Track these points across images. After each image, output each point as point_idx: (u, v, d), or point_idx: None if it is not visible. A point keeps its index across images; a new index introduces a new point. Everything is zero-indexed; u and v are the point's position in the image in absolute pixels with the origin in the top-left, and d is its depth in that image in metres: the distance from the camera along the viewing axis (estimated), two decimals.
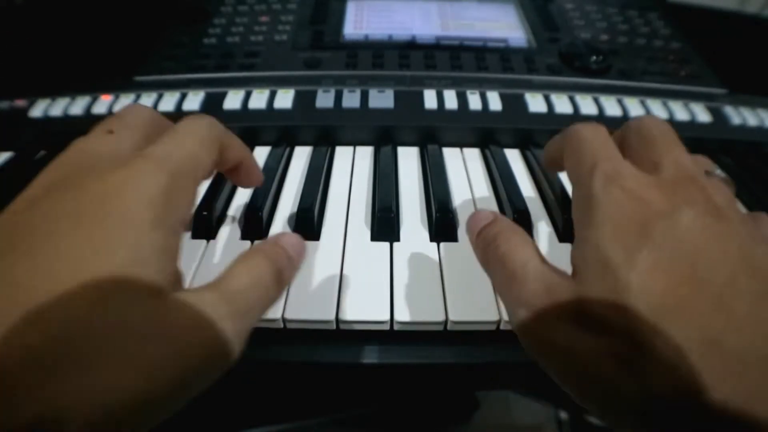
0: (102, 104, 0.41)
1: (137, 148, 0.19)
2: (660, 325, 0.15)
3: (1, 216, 0.16)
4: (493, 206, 0.34)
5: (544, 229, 0.32)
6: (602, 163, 0.20)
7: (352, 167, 0.38)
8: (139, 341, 0.15)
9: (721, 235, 0.16)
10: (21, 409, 0.13)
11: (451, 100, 0.41)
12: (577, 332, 0.17)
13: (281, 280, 0.20)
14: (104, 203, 0.16)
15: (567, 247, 0.29)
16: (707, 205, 0.17)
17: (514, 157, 0.39)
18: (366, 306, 0.26)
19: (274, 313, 0.25)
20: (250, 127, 0.40)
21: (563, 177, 0.37)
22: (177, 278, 0.18)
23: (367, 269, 0.28)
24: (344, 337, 0.27)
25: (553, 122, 0.40)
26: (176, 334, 0.16)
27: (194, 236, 0.31)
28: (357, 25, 0.51)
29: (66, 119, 0.41)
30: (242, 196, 0.34)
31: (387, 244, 0.30)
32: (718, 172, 0.21)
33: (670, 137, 0.21)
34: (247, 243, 0.30)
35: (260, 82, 0.43)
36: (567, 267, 0.29)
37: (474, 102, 0.41)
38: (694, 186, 0.18)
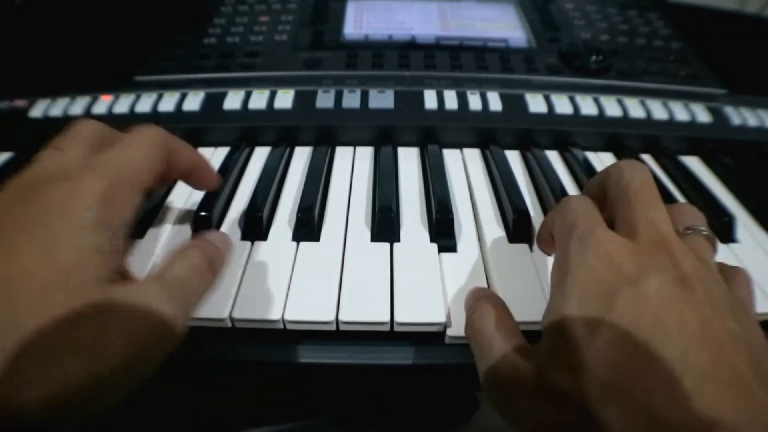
0: (102, 104, 0.41)
1: (84, 160, 0.21)
2: (610, 401, 0.16)
3: None
4: (494, 206, 0.34)
5: None
6: (581, 226, 0.21)
7: (352, 167, 0.38)
8: (82, 330, 0.16)
9: (683, 305, 0.17)
10: None
11: (451, 101, 0.41)
12: (538, 402, 0.19)
13: (213, 268, 0.22)
14: (48, 211, 0.18)
15: None
16: (675, 273, 0.18)
17: (514, 157, 0.39)
18: (366, 307, 0.26)
19: (275, 314, 0.25)
20: (250, 128, 0.40)
21: (563, 177, 0.37)
22: (124, 274, 0.20)
23: (367, 270, 0.28)
24: (344, 337, 0.27)
25: (553, 122, 0.40)
26: (117, 319, 0.17)
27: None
28: (357, 25, 0.51)
29: (66, 119, 0.40)
30: (242, 196, 0.34)
31: (387, 245, 0.30)
32: (703, 228, 0.22)
33: (648, 193, 0.22)
34: (248, 243, 0.30)
35: (260, 82, 0.43)
36: None
37: (474, 102, 0.41)
38: (665, 252, 0.19)
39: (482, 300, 0.24)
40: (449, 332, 0.25)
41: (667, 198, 0.35)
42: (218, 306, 0.26)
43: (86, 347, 0.16)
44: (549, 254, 0.29)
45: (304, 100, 0.41)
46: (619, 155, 0.41)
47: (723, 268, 0.21)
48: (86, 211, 0.18)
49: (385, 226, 0.30)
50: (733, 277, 0.21)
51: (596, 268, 0.19)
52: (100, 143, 0.22)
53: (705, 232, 0.22)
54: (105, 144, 0.22)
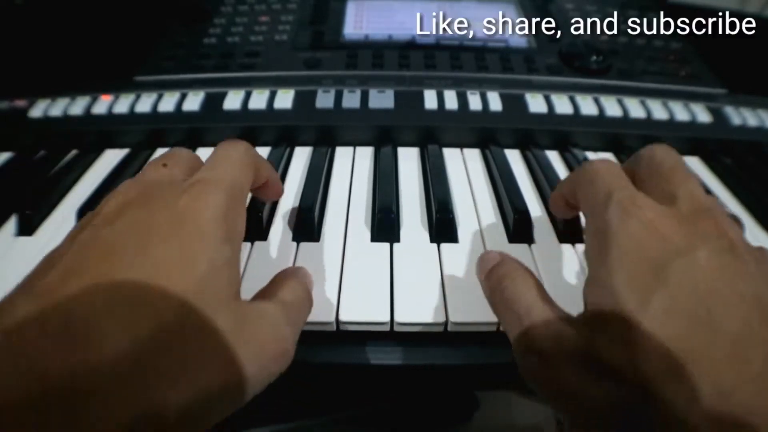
0: (102, 104, 0.41)
1: (188, 177, 0.21)
2: (672, 376, 0.15)
3: (85, 231, 0.18)
4: (494, 206, 0.34)
5: (544, 230, 0.32)
6: (618, 192, 0.19)
7: (352, 167, 0.38)
8: (223, 342, 0.17)
9: (736, 275, 0.16)
10: (122, 409, 0.14)
11: (451, 101, 0.41)
12: (587, 378, 0.17)
13: (311, 298, 0.24)
14: (178, 221, 0.18)
15: (567, 248, 0.29)
16: (723, 241, 0.17)
17: (514, 157, 0.39)
18: (366, 307, 0.26)
19: None
20: (250, 128, 0.40)
21: (563, 176, 0.37)
22: (239, 287, 0.20)
23: (367, 270, 0.28)
24: (344, 338, 0.27)
25: (553, 122, 0.40)
26: (254, 337, 0.18)
27: None
28: (357, 25, 0.51)
29: (66, 119, 0.41)
30: None
31: (387, 245, 0.30)
32: (727, 209, 0.21)
33: (682, 168, 0.21)
34: (247, 243, 0.30)
35: (260, 82, 0.43)
36: (565, 267, 0.29)
37: (474, 102, 0.41)
38: (711, 219, 0.18)
39: (509, 264, 0.23)
40: (452, 318, 0.25)
41: None
42: None
43: (220, 358, 0.16)
44: (561, 218, 0.29)
45: (304, 100, 0.41)
46: (619, 155, 0.41)
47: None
48: (214, 224, 0.18)
49: (385, 226, 0.30)
50: (761, 251, 0.20)
51: (642, 237, 0.18)
52: (195, 165, 0.23)
53: (731, 213, 0.21)
54: (198, 166, 0.23)
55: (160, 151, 0.40)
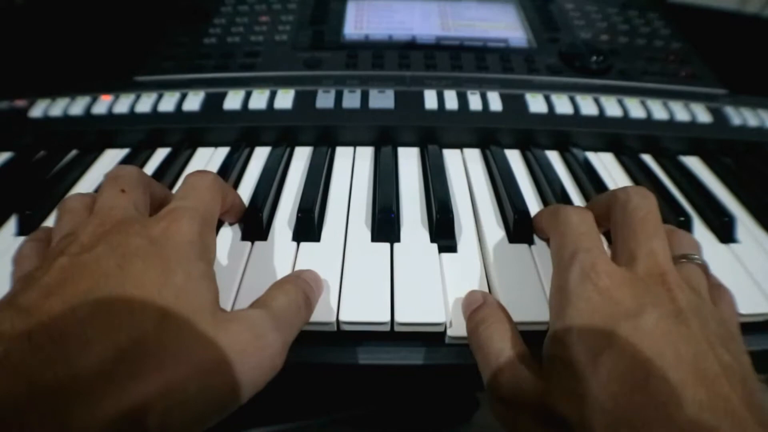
0: (102, 104, 0.41)
1: (146, 203, 0.23)
2: (612, 430, 0.17)
3: (63, 257, 0.18)
4: (494, 207, 0.34)
5: None
6: (581, 254, 0.21)
7: (353, 168, 0.38)
8: (200, 347, 0.17)
9: (679, 339, 0.18)
10: (103, 408, 0.15)
11: (451, 101, 0.41)
12: (539, 426, 0.19)
13: (309, 303, 0.24)
14: (158, 243, 0.19)
15: None
16: (671, 307, 0.19)
17: (514, 157, 0.39)
18: (366, 307, 0.26)
19: None
20: (250, 128, 0.40)
21: (564, 177, 0.37)
22: (218, 297, 0.21)
23: (368, 270, 0.28)
24: (345, 338, 0.27)
25: (554, 122, 0.40)
26: (233, 343, 0.18)
27: None
28: (357, 25, 0.51)
29: (66, 119, 0.41)
30: (242, 196, 0.34)
31: (387, 245, 0.30)
32: (696, 257, 0.23)
33: (653, 223, 0.22)
34: (248, 243, 0.30)
35: (260, 82, 0.43)
36: None
37: (474, 102, 0.41)
38: (662, 285, 0.20)
39: (487, 309, 0.24)
40: (450, 332, 0.25)
41: (667, 198, 0.34)
42: None
43: (196, 362, 0.17)
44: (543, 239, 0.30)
45: (304, 100, 0.41)
46: (619, 155, 0.41)
47: (710, 287, 0.22)
48: (189, 246, 0.20)
49: (385, 226, 0.30)
50: (720, 297, 0.22)
51: (596, 301, 0.19)
52: (147, 186, 0.24)
53: (699, 261, 0.23)
54: (149, 185, 0.24)
55: (160, 151, 0.40)
